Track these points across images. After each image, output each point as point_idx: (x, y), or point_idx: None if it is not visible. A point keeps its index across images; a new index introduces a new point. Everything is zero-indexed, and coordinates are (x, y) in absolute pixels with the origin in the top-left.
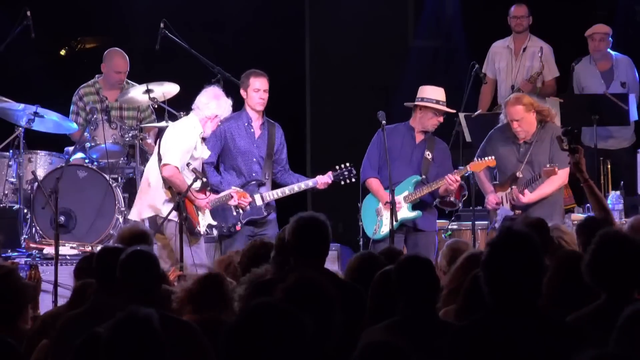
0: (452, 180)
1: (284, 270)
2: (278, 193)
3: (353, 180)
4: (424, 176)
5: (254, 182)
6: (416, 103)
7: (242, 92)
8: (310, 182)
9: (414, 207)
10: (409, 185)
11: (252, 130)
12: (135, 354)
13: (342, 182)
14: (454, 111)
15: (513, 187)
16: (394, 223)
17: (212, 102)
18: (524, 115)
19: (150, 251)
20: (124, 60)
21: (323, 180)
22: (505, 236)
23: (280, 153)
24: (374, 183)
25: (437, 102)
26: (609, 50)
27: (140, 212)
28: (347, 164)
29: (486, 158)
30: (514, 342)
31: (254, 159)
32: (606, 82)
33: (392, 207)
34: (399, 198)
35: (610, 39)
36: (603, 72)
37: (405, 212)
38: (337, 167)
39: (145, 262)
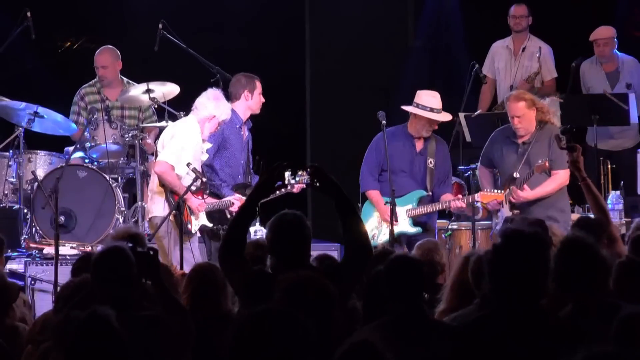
0: (457, 207)
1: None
2: None
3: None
4: (429, 193)
5: (242, 185)
6: (410, 110)
7: (245, 94)
8: (288, 186)
9: (415, 223)
10: (413, 200)
11: (242, 132)
12: (96, 354)
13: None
14: (449, 119)
15: (512, 186)
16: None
17: (210, 103)
18: (525, 112)
19: (126, 250)
20: (104, 55)
21: (299, 185)
22: (514, 236)
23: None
24: (373, 195)
25: (432, 109)
26: (615, 51)
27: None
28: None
29: (495, 191)
30: (516, 340)
31: (242, 162)
32: (611, 83)
33: (392, 208)
34: (401, 210)
35: (615, 40)
36: (608, 73)
37: (406, 227)
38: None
39: (117, 260)
